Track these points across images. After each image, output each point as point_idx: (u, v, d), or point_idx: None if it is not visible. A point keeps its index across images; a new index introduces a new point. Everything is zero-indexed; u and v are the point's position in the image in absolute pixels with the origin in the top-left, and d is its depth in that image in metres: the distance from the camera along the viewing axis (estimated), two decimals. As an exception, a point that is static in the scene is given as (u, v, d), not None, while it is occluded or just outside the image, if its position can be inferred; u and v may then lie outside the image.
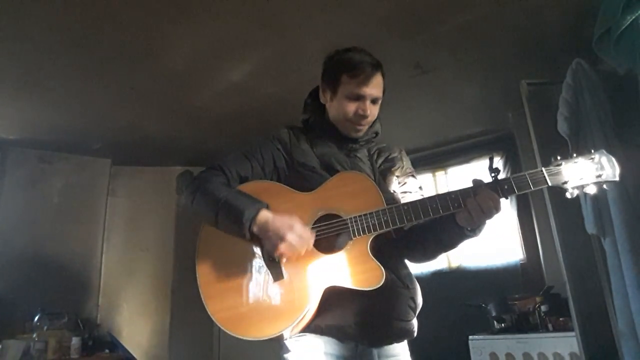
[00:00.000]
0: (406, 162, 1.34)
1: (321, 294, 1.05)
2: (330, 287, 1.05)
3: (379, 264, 1.04)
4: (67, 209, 3.48)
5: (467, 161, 3.87)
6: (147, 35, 2.24)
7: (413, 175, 1.32)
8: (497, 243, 3.50)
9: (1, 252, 3.12)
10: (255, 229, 1.05)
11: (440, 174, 4.05)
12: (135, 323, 3.61)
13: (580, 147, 2.03)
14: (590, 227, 1.96)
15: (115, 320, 3.54)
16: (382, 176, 1.27)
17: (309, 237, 1.05)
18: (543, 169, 1.05)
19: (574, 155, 1.07)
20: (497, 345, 2.67)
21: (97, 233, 3.60)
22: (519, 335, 2.65)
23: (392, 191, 1.25)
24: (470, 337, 2.79)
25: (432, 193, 1.15)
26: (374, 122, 1.33)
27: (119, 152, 3.69)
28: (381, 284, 1.02)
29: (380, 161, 1.31)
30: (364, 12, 2.15)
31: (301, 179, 1.18)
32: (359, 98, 1.22)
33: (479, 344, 2.74)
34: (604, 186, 1.06)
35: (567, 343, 2.39)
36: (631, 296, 1.75)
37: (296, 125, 1.33)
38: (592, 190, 1.05)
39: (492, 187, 1.04)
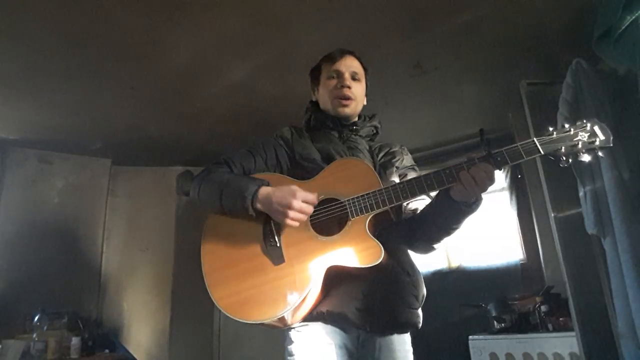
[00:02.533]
0: (407, 156, 1.37)
1: (322, 274, 1.07)
2: (331, 267, 1.07)
3: (377, 241, 1.06)
4: (67, 209, 3.48)
5: (467, 161, 3.87)
6: (147, 35, 2.24)
7: (414, 169, 1.34)
8: (497, 243, 3.50)
9: (1, 252, 3.12)
10: (258, 205, 1.10)
11: (440, 174, 4.05)
12: (135, 323, 3.61)
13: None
14: (590, 227, 1.96)
15: (115, 320, 3.54)
16: (382, 168, 1.30)
17: (314, 199, 1.09)
18: (535, 138, 1.04)
19: (566, 125, 1.06)
20: (497, 345, 2.67)
21: (97, 233, 3.60)
22: (519, 335, 2.65)
23: (392, 182, 1.26)
24: (470, 337, 2.79)
25: (432, 193, 1.18)
26: (373, 117, 1.41)
27: (119, 152, 3.69)
28: (380, 260, 1.03)
29: (381, 155, 1.34)
30: (364, 12, 2.15)
31: (303, 171, 1.23)
32: (337, 74, 1.35)
33: (479, 344, 2.74)
34: (599, 153, 1.04)
35: (567, 343, 2.39)
36: (631, 296, 1.75)
37: (298, 126, 1.39)
38: (586, 158, 1.04)
39: (485, 159, 1.05)
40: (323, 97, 1.36)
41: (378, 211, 1.08)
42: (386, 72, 2.62)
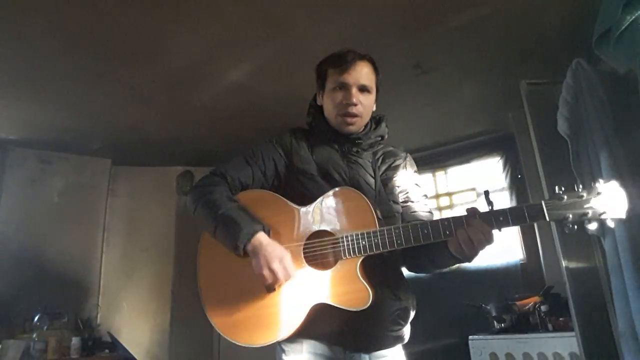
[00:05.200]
0: (410, 170, 1.32)
1: (308, 310, 1.07)
2: (318, 304, 1.07)
3: (366, 285, 1.04)
4: (67, 209, 3.48)
5: (467, 161, 3.87)
6: (147, 35, 2.24)
7: (417, 184, 1.30)
8: (497, 243, 3.48)
9: (1, 252, 3.12)
10: (249, 247, 1.08)
11: (440, 173, 4.05)
12: (135, 323, 3.61)
13: (580, 147, 2.03)
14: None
15: (115, 320, 3.54)
16: (383, 184, 1.25)
17: (291, 271, 1.07)
18: (543, 202, 0.99)
19: (580, 188, 0.99)
20: (497, 345, 2.67)
21: (97, 233, 3.60)
22: (519, 335, 2.65)
23: (392, 201, 1.23)
24: (470, 337, 2.79)
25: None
26: (379, 124, 1.33)
27: (119, 152, 3.69)
28: (367, 306, 1.02)
29: (383, 168, 1.29)
30: (364, 12, 2.15)
31: (300, 185, 1.20)
32: (344, 87, 1.23)
33: (479, 344, 2.74)
34: (608, 224, 0.97)
35: (567, 343, 2.39)
36: (631, 296, 1.75)
37: (300, 128, 1.33)
38: (593, 227, 0.97)
39: (487, 217, 1.02)
40: (327, 107, 1.27)
41: (370, 254, 1.07)
42: (386, 72, 2.59)
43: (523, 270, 3.38)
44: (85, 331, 3.07)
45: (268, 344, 1.08)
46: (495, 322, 2.81)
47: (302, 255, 1.11)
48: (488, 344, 2.71)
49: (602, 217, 0.96)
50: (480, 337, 2.78)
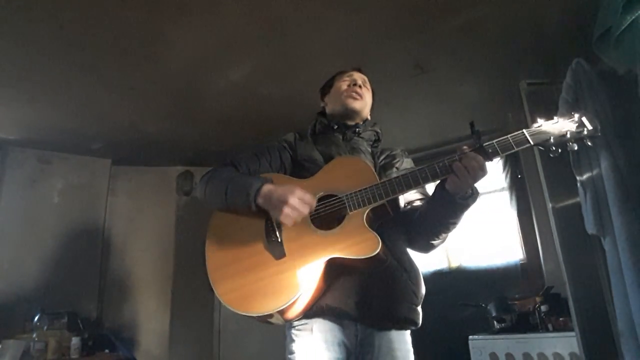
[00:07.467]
0: (407, 159, 1.42)
1: (322, 267, 1.09)
2: (331, 259, 1.09)
3: (374, 233, 1.08)
4: (67, 209, 3.48)
5: (467, 161, 3.87)
6: (147, 35, 2.24)
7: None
8: (497, 243, 3.50)
9: (1, 252, 3.12)
10: (260, 200, 1.13)
11: (440, 174, 4.05)
12: (135, 323, 3.61)
13: (580, 147, 2.03)
14: (590, 227, 1.96)
15: (115, 320, 3.54)
16: (382, 170, 1.34)
17: (310, 199, 1.12)
18: (524, 130, 1.08)
19: (554, 117, 1.11)
20: (497, 345, 2.67)
21: (97, 233, 3.60)
22: (519, 335, 2.65)
23: None
24: (470, 337, 2.79)
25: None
26: (374, 124, 1.49)
27: (119, 152, 3.69)
28: (378, 250, 1.05)
29: (382, 157, 1.39)
30: (364, 12, 2.15)
31: (304, 171, 1.29)
32: (350, 77, 1.48)
33: (479, 344, 2.74)
34: (588, 142, 1.09)
35: (567, 343, 2.39)
36: (631, 296, 1.75)
37: (303, 131, 1.46)
38: (575, 147, 1.09)
39: (477, 151, 1.08)
40: (333, 97, 1.45)
41: (375, 204, 1.12)
42: (386, 72, 2.62)
43: (523, 270, 3.38)
44: (85, 331, 3.07)
45: (281, 307, 1.06)
46: (495, 322, 2.81)
47: (309, 219, 1.15)
48: (488, 344, 2.71)
49: (579, 135, 1.08)
50: (480, 337, 2.78)
